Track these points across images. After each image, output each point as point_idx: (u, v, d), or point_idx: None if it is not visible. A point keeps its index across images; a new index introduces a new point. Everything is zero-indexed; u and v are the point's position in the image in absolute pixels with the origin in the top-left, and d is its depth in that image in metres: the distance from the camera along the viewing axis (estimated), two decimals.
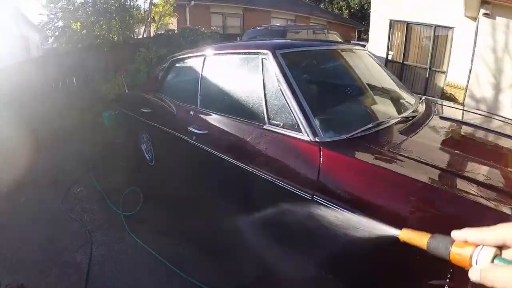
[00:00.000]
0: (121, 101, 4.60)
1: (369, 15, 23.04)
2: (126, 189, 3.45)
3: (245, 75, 2.19)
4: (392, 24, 10.99)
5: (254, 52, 2.05)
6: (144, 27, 8.09)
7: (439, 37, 9.96)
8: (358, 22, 21.56)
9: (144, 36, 7.91)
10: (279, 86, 1.76)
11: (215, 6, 11.93)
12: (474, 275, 0.41)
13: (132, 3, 7.22)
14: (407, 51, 10.36)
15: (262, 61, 1.93)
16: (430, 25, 9.93)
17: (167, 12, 8.56)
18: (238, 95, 2.13)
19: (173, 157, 2.99)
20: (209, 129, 2.26)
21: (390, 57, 10.86)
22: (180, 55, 3.10)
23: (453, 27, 9.64)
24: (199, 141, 2.29)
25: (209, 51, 2.59)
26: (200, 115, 2.43)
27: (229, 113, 2.15)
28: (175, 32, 7.59)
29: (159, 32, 7.90)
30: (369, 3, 23.50)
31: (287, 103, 1.70)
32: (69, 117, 6.08)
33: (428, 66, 9.39)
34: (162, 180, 3.49)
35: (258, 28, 8.83)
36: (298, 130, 1.61)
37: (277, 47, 1.96)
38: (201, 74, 2.55)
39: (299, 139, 1.59)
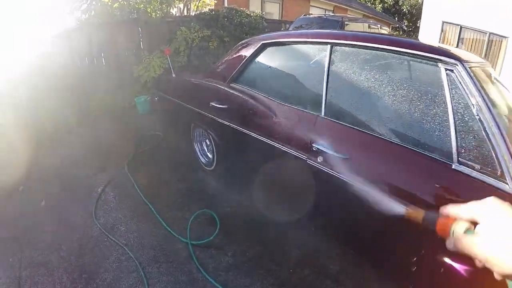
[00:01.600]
0: (165, 86, 3.83)
1: (403, 11, 22.11)
2: (176, 198, 2.66)
3: (411, 85, 1.63)
4: (444, 26, 10.06)
5: (430, 58, 1.53)
6: (183, 4, 7.16)
7: (493, 44, 9.11)
8: (392, 18, 20.31)
9: (184, 14, 6.97)
10: (477, 115, 1.34)
11: None
12: (448, 244, 0.50)
13: None
14: None
15: (446, 74, 1.47)
16: (484, 32, 9.05)
17: None
18: (402, 111, 1.62)
19: (262, 170, 2.33)
20: (350, 151, 1.72)
21: None
22: (279, 37, 2.41)
23: (508, 37, 8.70)
24: (330, 165, 1.75)
25: (339, 37, 1.93)
26: (329, 128, 1.86)
27: (386, 135, 1.63)
28: (220, 12, 6.64)
29: (202, 11, 6.94)
30: None
31: (489, 140, 1.30)
32: (96, 100, 5.26)
33: None
34: (232, 193, 2.86)
35: (310, 16, 7.92)
36: (501, 177, 1.26)
37: (463, 59, 1.47)
38: (327, 70, 1.92)
39: (501, 190, 1.24)
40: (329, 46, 1.92)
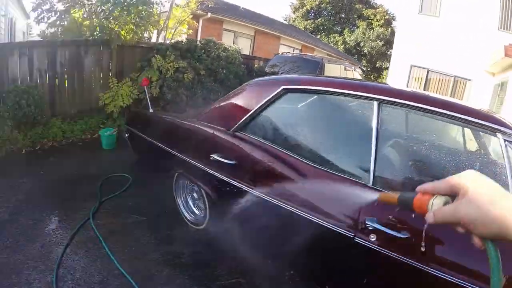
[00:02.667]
0: (140, 123, 3.44)
1: (363, 52, 23.81)
2: (162, 269, 2.27)
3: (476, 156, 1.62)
4: (413, 69, 10.91)
5: (488, 127, 1.47)
6: (157, 31, 6.85)
7: (458, 84, 10.04)
8: (354, 59, 21.66)
9: (157, 41, 6.65)
10: None
11: (229, 22, 11.04)
12: (428, 217, 0.52)
13: None
14: None
15: (506, 145, 1.41)
16: (450, 75, 9.99)
17: (185, 19, 7.40)
18: None
19: (280, 241, 2.02)
20: (409, 232, 1.44)
21: None
22: (306, 83, 2.08)
23: (471, 79, 9.68)
24: (387, 246, 1.48)
25: (387, 93, 1.72)
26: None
27: None
28: (197, 42, 6.42)
29: (177, 40, 6.67)
30: (365, 41, 24.33)
31: None
32: (52, 127, 4.69)
33: None
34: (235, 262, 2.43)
35: (288, 55, 7.97)
36: None
37: None
38: (376, 131, 1.66)
39: None
40: (376, 102, 1.69)
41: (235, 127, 2.20)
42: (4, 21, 7.22)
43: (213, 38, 6.74)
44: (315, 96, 2.05)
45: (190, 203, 2.88)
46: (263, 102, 2.08)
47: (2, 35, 7.06)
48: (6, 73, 4.48)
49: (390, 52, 27.80)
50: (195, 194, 2.83)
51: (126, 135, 3.63)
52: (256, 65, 8.62)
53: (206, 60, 6.24)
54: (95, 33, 5.44)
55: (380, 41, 24.38)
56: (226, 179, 2.14)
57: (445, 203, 0.51)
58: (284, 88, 2.02)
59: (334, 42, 25.39)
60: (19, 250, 2.40)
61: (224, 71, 6.58)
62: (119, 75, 5.60)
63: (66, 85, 5.17)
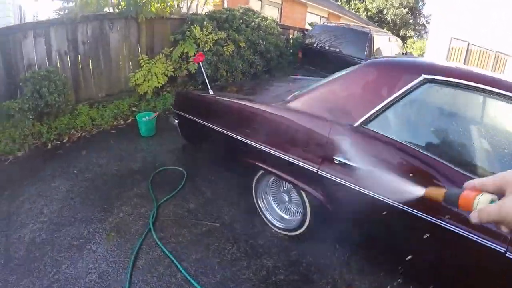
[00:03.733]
0: (196, 107, 2.82)
1: (386, 20, 22.35)
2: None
3: None
4: (452, 41, 9.95)
5: None
6: (187, 1, 5.98)
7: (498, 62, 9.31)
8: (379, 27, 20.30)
9: (189, 12, 5.81)
10: None
11: None
12: (472, 217, 0.48)
13: None
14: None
15: None
16: (490, 50, 9.14)
17: None
18: None
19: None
20: None
21: None
22: (456, 75, 1.54)
23: None
24: None
25: None
26: None
27: None
28: (236, 11, 5.55)
29: (214, 10, 5.79)
30: (388, 8, 22.72)
31: None
32: (80, 115, 4.05)
33: None
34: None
35: (329, 24, 7.03)
36: None
37: None
38: None
39: None
40: None
41: (360, 121, 1.69)
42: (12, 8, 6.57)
43: (250, 7, 5.86)
44: (471, 94, 1.54)
45: (273, 205, 2.35)
46: (398, 93, 1.62)
47: (12, 19, 6.36)
48: (21, 59, 3.78)
49: (415, 20, 26.11)
50: (284, 196, 2.23)
51: (176, 121, 2.94)
52: (291, 36, 7.72)
53: (246, 31, 5.40)
54: (120, 5, 4.66)
55: (404, 8, 22.70)
56: (352, 185, 1.65)
57: (492, 202, 0.47)
58: (425, 78, 1.58)
59: (356, 9, 23.82)
60: (67, 284, 1.76)
61: (264, 43, 5.75)
62: (149, 51, 4.85)
63: (91, 66, 4.46)
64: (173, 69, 4.66)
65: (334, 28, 6.55)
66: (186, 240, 2.15)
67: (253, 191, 2.34)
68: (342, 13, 14.63)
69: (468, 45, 10.11)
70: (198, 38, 4.71)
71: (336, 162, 1.68)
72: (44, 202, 2.51)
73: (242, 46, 5.30)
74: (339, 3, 22.49)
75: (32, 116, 3.56)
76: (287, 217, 2.29)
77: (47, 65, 3.99)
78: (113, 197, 2.63)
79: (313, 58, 6.25)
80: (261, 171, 2.18)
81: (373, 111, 1.65)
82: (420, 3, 24.69)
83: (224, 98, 2.46)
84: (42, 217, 2.33)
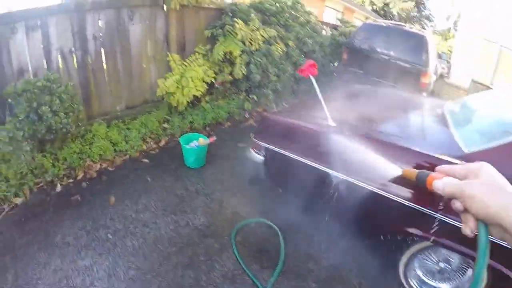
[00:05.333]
0: (313, 142, 1.84)
1: (392, 14, 21.61)
2: None
3: None
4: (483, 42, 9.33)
5: None
6: None
7: None
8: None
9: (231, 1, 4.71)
10: None
11: None
12: (437, 184, 0.51)
13: None
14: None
15: None
16: None
17: None
18: None
19: None
20: None
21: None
22: None
23: None
24: None
25: None
26: None
27: None
28: (283, 4, 4.45)
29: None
30: (394, 1, 21.89)
31: None
32: (96, 139, 3.02)
33: None
34: None
35: (377, 23, 6.10)
36: None
37: None
38: None
39: None
40: None
41: None
42: None
43: None
44: None
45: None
46: None
47: None
48: (9, 62, 2.60)
49: (419, 13, 25.40)
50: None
51: (260, 156, 1.98)
52: (324, 33, 6.74)
53: (294, 27, 4.37)
54: None
55: (411, 1, 21.92)
56: None
57: None
58: None
59: (361, 3, 22.92)
60: None
61: (311, 42, 4.74)
62: (180, 49, 3.77)
63: (106, 69, 3.36)
64: (214, 74, 3.62)
65: (383, 28, 5.68)
66: None
67: (400, 268, 1.64)
68: (356, 7, 13.71)
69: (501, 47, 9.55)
70: (244, 35, 3.65)
71: None
72: None
73: (290, 45, 4.28)
74: None
75: (30, 147, 2.48)
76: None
77: (45, 68, 2.87)
78: (186, 286, 1.65)
79: (360, 61, 5.39)
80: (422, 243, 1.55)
81: None
82: None
83: (356, 137, 1.53)
84: None
